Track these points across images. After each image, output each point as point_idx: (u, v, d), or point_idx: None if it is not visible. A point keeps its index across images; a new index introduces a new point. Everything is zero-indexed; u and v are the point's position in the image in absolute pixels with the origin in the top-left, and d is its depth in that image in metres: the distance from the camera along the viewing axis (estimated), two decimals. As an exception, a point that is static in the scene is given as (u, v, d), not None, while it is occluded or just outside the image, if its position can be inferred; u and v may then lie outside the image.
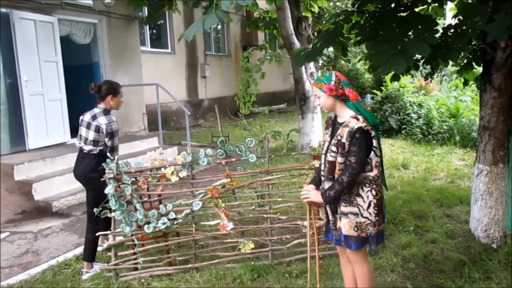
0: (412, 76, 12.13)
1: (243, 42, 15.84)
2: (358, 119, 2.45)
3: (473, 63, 4.69)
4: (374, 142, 2.49)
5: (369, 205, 2.52)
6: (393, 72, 4.19)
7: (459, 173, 6.57)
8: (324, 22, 14.48)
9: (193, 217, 3.79)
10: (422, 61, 4.21)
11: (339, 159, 2.51)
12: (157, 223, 3.52)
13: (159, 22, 11.71)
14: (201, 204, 3.58)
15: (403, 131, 9.42)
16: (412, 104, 9.87)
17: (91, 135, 3.75)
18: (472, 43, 4.22)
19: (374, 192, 2.52)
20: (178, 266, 3.76)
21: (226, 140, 3.82)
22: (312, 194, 2.66)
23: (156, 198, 3.87)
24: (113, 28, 8.42)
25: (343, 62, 19.19)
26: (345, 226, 2.57)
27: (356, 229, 2.54)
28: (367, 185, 2.52)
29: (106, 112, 3.80)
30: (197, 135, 10.94)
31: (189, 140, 8.29)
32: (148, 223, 3.54)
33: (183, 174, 3.60)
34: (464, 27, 3.80)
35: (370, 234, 2.54)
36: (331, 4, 14.07)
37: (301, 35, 8.10)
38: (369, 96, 11.49)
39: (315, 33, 14.10)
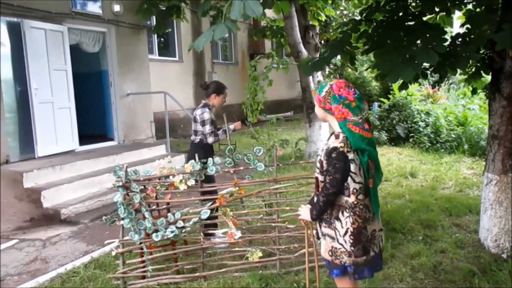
0: (420, 84, 12.09)
1: (250, 50, 15.92)
2: (337, 138, 2.31)
3: (482, 72, 4.67)
4: (352, 167, 2.27)
5: (346, 232, 2.34)
6: (401, 81, 4.23)
7: (468, 182, 6.52)
8: (331, 31, 14.53)
9: (201, 226, 3.79)
10: (430, 70, 4.19)
11: (320, 177, 2.41)
12: (165, 232, 3.52)
13: (167, 31, 11.81)
14: (209, 213, 3.58)
15: (411, 139, 9.38)
16: (420, 112, 9.83)
17: (193, 126, 4.39)
18: (480, 52, 4.21)
19: (351, 220, 2.32)
20: (186, 274, 3.75)
21: (234, 149, 3.83)
22: (302, 211, 2.55)
23: (164, 207, 3.88)
24: (122, 36, 8.51)
25: (350, 70, 19.19)
26: (323, 247, 2.47)
27: (330, 254, 2.41)
28: (347, 211, 2.34)
29: (205, 106, 4.38)
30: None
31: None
32: (156, 231, 3.54)
33: (192, 182, 3.61)
34: (472, 36, 3.79)
35: (345, 263, 2.36)
36: (338, 12, 14.10)
37: (308, 43, 8.13)
38: (376, 104, 11.47)
39: (322, 41, 14.14)
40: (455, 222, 4.83)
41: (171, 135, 9.37)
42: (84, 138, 7.85)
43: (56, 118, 7.16)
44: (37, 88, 6.78)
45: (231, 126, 4.37)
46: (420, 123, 9.52)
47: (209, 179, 3.88)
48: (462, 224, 4.77)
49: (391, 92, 11.28)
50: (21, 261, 4.40)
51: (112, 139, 8.59)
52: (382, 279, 3.59)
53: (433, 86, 13.38)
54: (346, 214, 2.34)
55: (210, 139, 4.29)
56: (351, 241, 2.33)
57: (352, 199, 2.32)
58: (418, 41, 3.74)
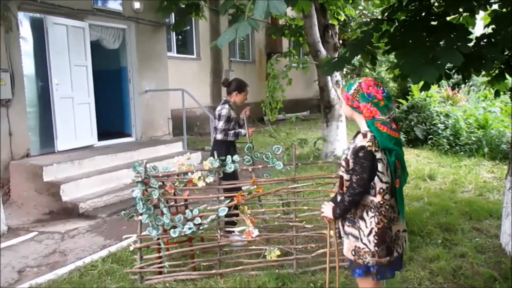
0: (439, 86, 11.93)
1: (267, 49, 15.90)
2: (365, 136, 2.28)
3: (505, 73, 4.58)
4: (380, 166, 2.25)
5: (370, 232, 2.31)
6: (423, 81, 4.16)
7: (488, 185, 6.41)
8: (349, 31, 14.43)
9: (219, 223, 3.80)
10: (453, 71, 4.13)
11: (345, 176, 2.38)
12: (183, 228, 3.53)
13: (185, 29, 11.87)
14: (227, 210, 3.58)
15: (429, 142, 9.26)
16: (439, 114, 9.70)
17: (214, 122, 4.39)
18: (505, 53, 4.13)
19: (376, 220, 2.29)
20: (202, 271, 3.76)
21: (252, 147, 3.82)
22: (326, 208, 2.52)
23: (182, 203, 3.89)
24: (141, 33, 8.57)
25: (367, 70, 19.04)
26: (345, 246, 2.44)
27: (353, 253, 2.38)
28: (372, 211, 2.31)
29: (226, 102, 4.38)
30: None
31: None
32: (174, 227, 3.56)
33: (210, 179, 3.61)
34: (498, 37, 3.72)
35: (368, 263, 2.33)
36: (357, 12, 13.99)
37: (327, 42, 8.08)
38: (394, 105, 11.34)
39: (341, 41, 14.04)
40: (475, 226, 4.75)
41: (188, 133, 9.42)
42: (102, 134, 7.94)
43: (75, 113, 7.25)
44: (58, 83, 6.87)
45: (243, 131, 4.34)
46: (439, 125, 9.39)
47: (232, 176, 3.87)
48: (482, 229, 4.69)
49: (410, 93, 11.15)
50: (40, 253, 4.46)
51: (129, 135, 8.67)
52: (400, 281, 3.55)
53: (453, 88, 13.19)
54: (371, 214, 2.32)
55: (218, 136, 4.28)
56: (375, 241, 2.30)
57: (378, 198, 2.29)
58: (442, 42, 3.69)
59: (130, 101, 8.63)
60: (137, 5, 8.31)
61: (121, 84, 8.78)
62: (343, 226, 2.49)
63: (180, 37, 12.44)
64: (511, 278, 3.55)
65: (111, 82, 8.80)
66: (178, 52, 11.95)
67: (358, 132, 2.43)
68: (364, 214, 2.34)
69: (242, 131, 4.36)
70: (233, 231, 4.08)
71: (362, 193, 2.30)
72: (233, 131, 4.35)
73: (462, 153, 8.55)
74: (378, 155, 2.25)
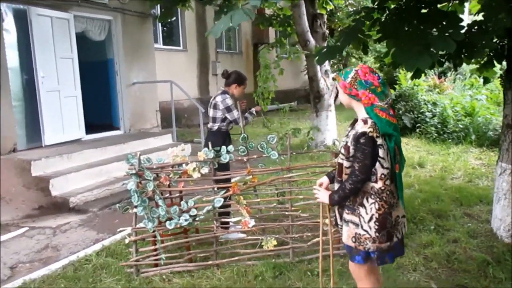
0: (425, 75, 12.01)
1: (254, 39, 15.82)
2: (366, 123, 2.28)
3: (494, 61, 4.62)
4: (381, 152, 2.26)
5: (371, 218, 2.32)
6: (414, 70, 4.17)
7: (477, 172, 6.50)
8: (336, 20, 14.43)
9: (215, 214, 3.78)
10: (445, 58, 4.15)
11: (345, 163, 2.37)
12: (179, 220, 3.51)
13: (171, 20, 11.71)
14: (223, 201, 3.57)
15: (417, 130, 9.35)
16: (427, 102, 9.79)
17: (211, 113, 4.33)
18: (493, 40, 4.16)
19: (377, 206, 2.30)
20: (198, 262, 3.75)
21: (247, 137, 3.80)
22: (320, 194, 2.52)
23: (177, 195, 3.87)
24: (128, 25, 8.44)
25: (353, 60, 19.08)
26: (345, 234, 2.43)
27: (354, 240, 2.37)
28: (372, 197, 2.32)
29: (225, 92, 4.36)
30: (209, 132, 10.93)
31: (203, 137, 8.29)
32: (170, 219, 3.53)
33: (205, 170, 3.59)
34: (489, 24, 3.74)
35: (369, 249, 2.34)
36: (342, 1, 13.98)
37: (316, 32, 8.06)
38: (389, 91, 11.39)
39: (327, 30, 14.02)
40: (466, 212, 4.82)
41: (176, 125, 9.34)
42: (90, 127, 7.83)
43: (62, 106, 7.12)
44: (43, 76, 6.73)
45: (253, 110, 4.37)
46: (427, 113, 9.48)
47: (224, 167, 3.86)
48: (473, 214, 4.76)
49: (397, 82, 11.22)
50: (32, 248, 4.40)
51: (118, 128, 8.56)
52: (395, 268, 3.58)
53: (439, 77, 13.31)
54: (371, 200, 2.32)
55: (241, 123, 4.24)
56: (376, 227, 2.31)
57: (379, 184, 2.30)
58: (434, 29, 3.70)
59: (118, 94, 8.51)
60: (123, -5, 8.17)
61: (108, 76, 8.64)
62: (340, 214, 2.49)
63: (166, 28, 12.29)
64: (504, 262, 3.62)
65: (98, 74, 8.66)
66: (164, 43, 11.82)
67: (356, 120, 2.43)
68: (364, 201, 2.34)
69: (249, 116, 4.39)
70: (229, 223, 4.06)
71: (364, 180, 2.30)
72: (247, 113, 4.40)
73: (450, 140, 8.66)
74: (379, 141, 2.26)
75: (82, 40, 7.75)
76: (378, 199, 2.31)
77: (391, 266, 3.55)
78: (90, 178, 6.17)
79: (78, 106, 7.46)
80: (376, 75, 2.33)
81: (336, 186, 2.47)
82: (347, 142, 2.36)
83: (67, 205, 5.54)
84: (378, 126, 2.26)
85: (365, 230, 2.33)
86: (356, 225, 2.37)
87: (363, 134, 2.25)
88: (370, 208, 2.32)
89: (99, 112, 8.71)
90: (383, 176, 2.29)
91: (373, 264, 2.40)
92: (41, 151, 6.47)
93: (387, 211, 2.33)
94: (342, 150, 2.39)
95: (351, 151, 2.32)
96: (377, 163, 2.28)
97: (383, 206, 2.31)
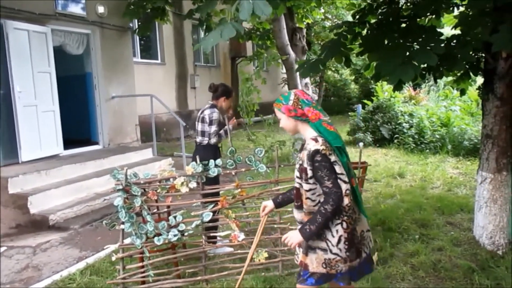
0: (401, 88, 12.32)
1: (231, 53, 15.89)
2: (316, 141, 2.19)
3: (470, 73, 4.78)
4: (337, 168, 2.20)
5: (339, 240, 2.23)
6: (395, 83, 4.26)
7: (455, 181, 6.66)
8: (312, 34, 14.65)
9: (203, 229, 3.74)
10: (426, 71, 4.26)
11: (305, 186, 2.27)
12: (167, 235, 3.46)
13: (148, 33, 11.67)
14: (211, 215, 3.54)
15: (395, 141, 9.54)
16: (404, 113, 10.02)
17: (200, 127, 4.35)
18: (470, 53, 4.30)
19: (344, 225, 2.23)
20: (187, 278, 3.69)
21: (235, 150, 3.79)
22: (291, 236, 2.32)
23: (165, 210, 3.81)
24: (106, 38, 8.36)
25: (329, 72, 19.40)
26: (313, 262, 2.29)
27: (325, 266, 2.26)
28: (337, 217, 2.22)
29: (213, 106, 4.38)
30: (188, 146, 10.83)
31: (184, 151, 8.23)
32: (158, 235, 3.48)
33: (193, 185, 3.56)
34: (467, 38, 3.88)
35: (340, 271, 2.26)
36: (317, 17, 14.19)
37: (295, 46, 8.16)
38: (360, 106, 11.60)
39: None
40: (449, 221, 4.92)
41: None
42: (68, 142, 7.66)
43: (40, 122, 6.96)
44: (20, 91, 6.58)
45: (230, 126, 4.36)
46: (404, 124, 9.70)
47: (213, 180, 3.83)
48: (455, 223, 4.86)
49: (375, 94, 11.44)
50: (11, 269, 4.25)
51: (97, 143, 8.42)
52: (384, 278, 3.62)
53: (415, 88, 13.65)
54: (336, 221, 2.24)
55: (213, 140, 4.27)
56: (346, 247, 2.25)
57: (346, 201, 2.21)
58: (415, 43, 3.81)
59: (96, 108, 8.38)
60: (101, 9, 8.11)
61: (86, 90, 8.51)
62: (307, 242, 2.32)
63: (143, 41, 12.22)
64: (488, 269, 3.70)
65: (76, 88, 8.53)
66: (142, 57, 11.75)
67: (303, 145, 2.35)
68: (329, 223, 2.24)
69: (223, 134, 4.36)
70: (216, 238, 4.02)
71: (342, 196, 2.20)
72: (222, 131, 4.35)
73: (427, 150, 8.86)
74: (333, 158, 2.21)
75: (60, 54, 7.64)
76: (345, 217, 2.24)
77: (380, 276, 3.59)
78: (69, 195, 6.03)
79: (56, 121, 7.31)
80: (310, 96, 2.38)
81: (296, 212, 2.39)
82: (301, 163, 2.29)
83: (47, 223, 5.38)
84: (329, 140, 2.21)
85: (335, 254, 2.25)
86: (325, 250, 2.27)
87: (317, 151, 2.18)
88: (336, 230, 2.24)
89: (78, 127, 8.55)
90: (347, 191, 2.21)
91: (339, 283, 2.33)
92: (18, 168, 6.30)
93: (353, 227, 2.28)
94: (298, 173, 2.31)
95: (309, 172, 2.23)
96: (339, 180, 2.21)
97: (350, 223, 2.26)
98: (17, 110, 6.56)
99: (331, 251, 2.25)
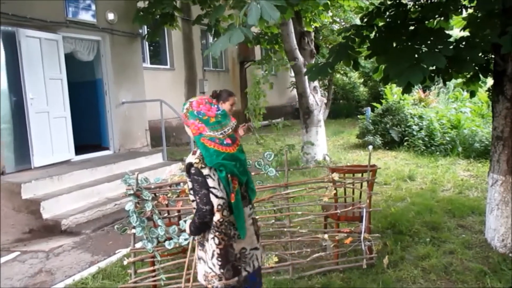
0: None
1: (240, 57, 15.96)
2: (194, 154, 2.23)
3: (480, 75, 4.76)
4: (210, 182, 2.16)
5: (213, 254, 2.22)
6: (404, 85, 4.26)
7: (466, 183, 6.61)
8: (321, 37, 14.66)
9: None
10: (434, 73, 4.25)
11: (191, 197, 2.27)
12: (178, 239, 3.49)
13: (157, 39, 11.79)
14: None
15: (405, 143, 9.49)
16: (413, 116, 9.97)
17: None
18: (479, 54, 4.28)
19: (216, 241, 2.20)
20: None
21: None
22: (187, 222, 2.40)
23: (175, 214, 3.84)
24: (116, 45, 8.45)
25: (338, 76, 19.36)
26: (200, 272, 2.33)
27: (204, 278, 2.27)
28: (211, 231, 2.21)
29: None
30: (198, 150, 10.90)
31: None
32: (169, 239, 3.51)
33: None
34: (476, 40, 3.87)
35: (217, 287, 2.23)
36: (325, 20, 14.21)
37: (304, 49, 8.19)
38: (369, 109, 11.57)
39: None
40: (460, 223, 4.89)
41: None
42: (79, 148, 7.76)
43: (52, 128, 7.06)
44: (32, 98, 6.68)
45: (241, 131, 4.38)
46: (414, 126, 9.64)
47: None
48: (466, 225, 4.83)
49: (384, 97, 11.40)
50: (25, 273, 4.30)
51: (107, 148, 8.50)
52: (395, 281, 3.61)
53: (424, 91, 13.58)
54: (210, 235, 2.23)
55: None
56: (219, 263, 2.22)
57: (217, 216, 2.19)
58: (423, 46, 3.81)
59: (107, 114, 8.47)
60: (111, 16, 8.21)
61: (97, 96, 8.61)
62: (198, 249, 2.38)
63: (152, 47, 12.34)
64: (500, 272, 3.67)
65: (86, 94, 8.63)
66: (151, 63, 11.85)
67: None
68: (209, 235, 2.24)
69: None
70: None
71: (211, 211, 2.17)
72: None
73: (437, 153, 8.80)
74: (205, 171, 2.18)
75: (71, 60, 7.74)
76: (217, 233, 2.21)
77: (390, 279, 3.58)
78: (81, 200, 6.09)
79: (67, 127, 7.40)
80: (215, 106, 2.30)
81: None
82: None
83: (59, 228, 5.45)
84: (204, 156, 2.18)
85: (210, 268, 2.24)
86: (204, 261, 2.27)
87: (191, 165, 2.20)
88: (210, 245, 2.23)
89: (88, 133, 8.65)
90: (219, 207, 2.17)
91: None
92: (30, 173, 6.38)
93: (228, 244, 2.23)
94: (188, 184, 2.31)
95: (189, 183, 2.24)
96: (211, 194, 2.16)
97: (223, 239, 2.22)
98: (29, 116, 6.65)
99: (207, 264, 2.27)
